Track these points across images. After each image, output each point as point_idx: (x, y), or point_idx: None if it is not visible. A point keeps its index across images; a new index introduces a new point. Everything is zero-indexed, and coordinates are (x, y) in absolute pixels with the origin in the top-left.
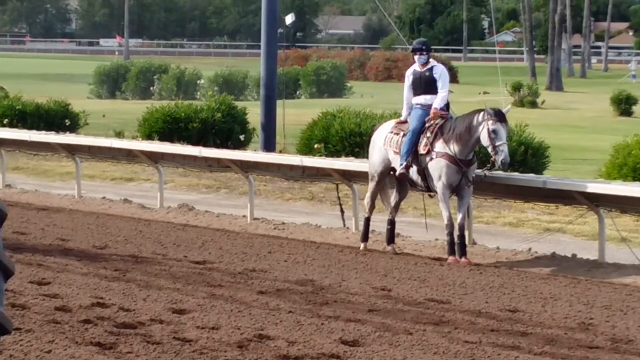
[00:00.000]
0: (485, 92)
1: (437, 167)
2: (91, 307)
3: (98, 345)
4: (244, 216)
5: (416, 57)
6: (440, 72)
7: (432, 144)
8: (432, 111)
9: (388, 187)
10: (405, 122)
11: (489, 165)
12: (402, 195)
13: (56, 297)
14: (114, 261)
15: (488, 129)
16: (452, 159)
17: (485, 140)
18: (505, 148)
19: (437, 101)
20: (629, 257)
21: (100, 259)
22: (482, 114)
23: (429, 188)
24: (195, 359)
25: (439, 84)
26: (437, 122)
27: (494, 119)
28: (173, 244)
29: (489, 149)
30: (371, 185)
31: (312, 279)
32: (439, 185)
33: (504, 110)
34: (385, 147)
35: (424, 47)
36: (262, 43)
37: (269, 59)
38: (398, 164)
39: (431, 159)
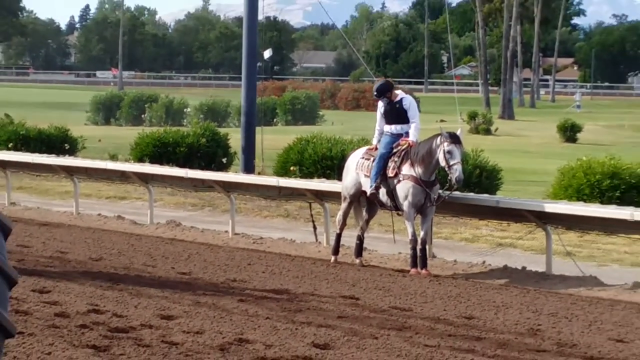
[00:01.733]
0: (442, 120)
1: (404, 188)
2: (87, 313)
3: (93, 347)
4: (226, 231)
5: (379, 102)
6: (409, 103)
7: (399, 168)
8: (410, 142)
9: (361, 206)
10: (375, 148)
11: (447, 185)
12: (371, 214)
13: (56, 304)
14: (108, 272)
15: (444, 150)
16: (417, 181)
17: (442, 161)
18: (459, 167)
19: (412, 133)
20: (573, 269)
21: (95, 269)
22: (439, 137)
23: (396, 207)
24: None
25: (410, 114)
26: (403, 147)
27: (448, 141)
28: (162, 257)
29: (446, 168)
30: (344, 205)
31: (287, 288)
32: (405, 204)
33: (457, 133)
34: (357, 171)
35: (377, 94)
36: (243, 75)
37: (249, 89)
38: (368, 186)
39: (399, 181)
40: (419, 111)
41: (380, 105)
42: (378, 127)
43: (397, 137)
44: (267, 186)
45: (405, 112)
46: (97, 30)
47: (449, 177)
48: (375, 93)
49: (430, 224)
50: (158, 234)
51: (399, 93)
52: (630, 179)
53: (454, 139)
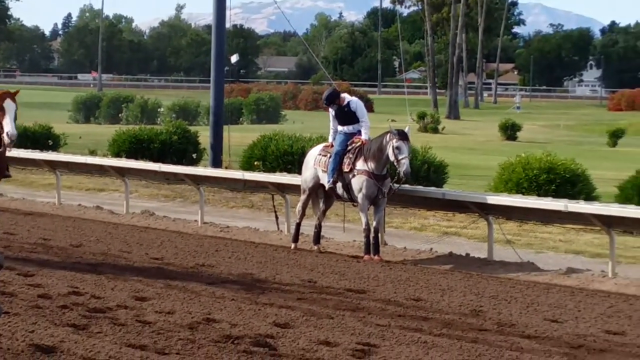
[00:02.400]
0: (392, 120)
1: (359, 182)
2: (68, 295)
3: (73, 326)
4: (196, 220)
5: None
6: (356, 105)
7: (353, 163)
8: (363, 140)
9: (319, 198)
10: (331, 145)
11: (396, 178)
12: (328, 205)
13: (39, 287)
14: (87, 257)
15: (393, 146)
16: (370, 175)
17: (391, 156)
18: (406, 161)
19: (364, 132)
20: (512, 256)
21: (76, 255)
22: (388, 135)
23: (352, 199)
24: (154, 338)
25: (358, 115)
26: (356, 145)
27: (397, 137)
28: (136, 243)
29: (395, 163)
30: (303, 197)
31: (251, 272)
32: (360, 196)
33: (405, 130)
34: (315, 166)
35: (326, 102)
36: (212, 78)
37: (217, 91)
38: (326, 180)
39: (353, 175)
40: (372, 111)
41: (331, 110)
42: (332, 127)
43: (350, 135)
44: (234, 179)
45: (354, 113)
46: (78, 37)
47: (397, 171)
48: (325, 102)
49: (383, 214)
50: (133, 222)
51: (346, 97)
52: (565, 173)
53: (402, 135)
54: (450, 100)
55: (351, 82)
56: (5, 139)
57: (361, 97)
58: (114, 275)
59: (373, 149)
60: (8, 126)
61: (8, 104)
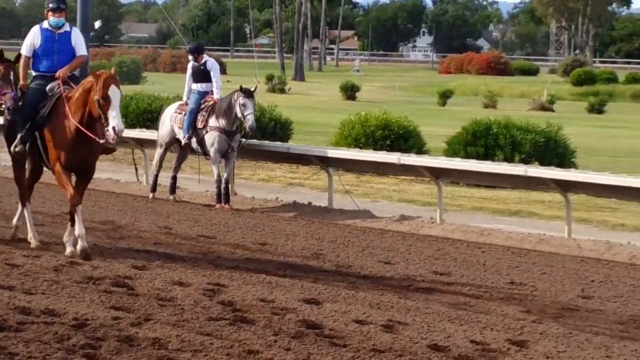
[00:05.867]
0: (258, 82)
1: (211, 138)
2: None
3: None
4: None
5: (190, 57)
6: (212, 65)
7: (206, 120)
8: (214, 99)
9: (176, 151)
10: (186, 104)
11: (243, 133)
12: (182, 158)
13: None
14: None
15: (239, 103)
16: (221, 131)
17: (238, 113)
18: (251, 117)
19: (216, 92)
20: (350, 204)
21: None
22: (236, 93)
23: (205, 153)
24: (22, 280)
25: (213, 74)
26: (209, 103)
27: (243, 96)
28: (7, 194)
29: (242, 119)
30: (159, 151)
31: (112, 219)
32: (212, 150)
33: (251, 89)
34: (171, 123)
35: (191, 51)
36: None
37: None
38: (182, 136)
39: (206, 131)
40: (226, 73)
41: (189, 67)
42: (187, 87)
43: (203, 94)
44: None
45: (209, 72)
46: None
47: (244, 126)
48: (190, 50)
49: (233, 167)
50: (5, 175)
51: (205, 57)
52: (399, 130)
53: (248, 94)
54: (296, 63)
55: (206, 47)
56: (111, 135)
57: (216, 60)
58: None
59: (223, 107)
60: (115, 120)
61: (113, 91)
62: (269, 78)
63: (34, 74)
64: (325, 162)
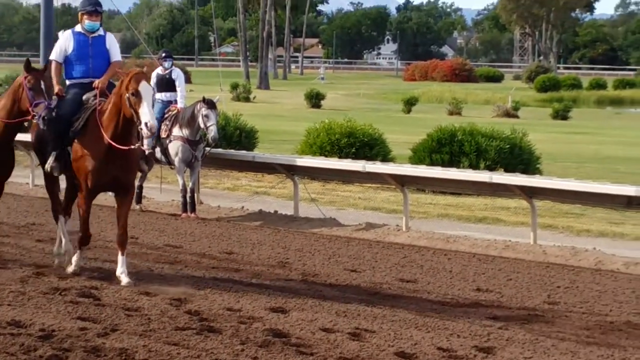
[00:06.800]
0: (222, 90)
1: (175, 147)
2: None
3: None
4: (27, 183)
5: (165, 63)
6: (177, 75)
7: (170, 130)
8: (178, 108)
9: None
10: None
11: (206, 143)
12: (148, 168)
13: None
14: None
15: (202, 114)
16: (185, 140)
17: (201, 123)
18: (214, 128)
19: (180, 101)
20: (316, 212)
21: None
22: (199, 104)
23: (169, 162)
24: None
25: (177, 84)
26: (173, 113)
27: (205, 106)
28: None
29: (204, 129)
30: None
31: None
32: (176, 160)
33: (214, 100)
34: None
35: (168, 55)
36: (41, 53)
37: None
38: (146, 146)
39: (170, 141)
40: (190, 82)
41: (154, 76)
42: None
43: (167, 103)
44: None
45: (174, 81)
46: None
47: (206, 137)
48: (162, 53)
49: (198, 176)
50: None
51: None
52: (364, 137)
53: (210, 104)
54: (260, 72)
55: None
56: (144, 132)
57: (181, 69)
58: None
59: (187, 116)
60: (147, 116)
61: (144, 87)
62: (234, 87)
63: (67, 82)
64: (291, 171)
